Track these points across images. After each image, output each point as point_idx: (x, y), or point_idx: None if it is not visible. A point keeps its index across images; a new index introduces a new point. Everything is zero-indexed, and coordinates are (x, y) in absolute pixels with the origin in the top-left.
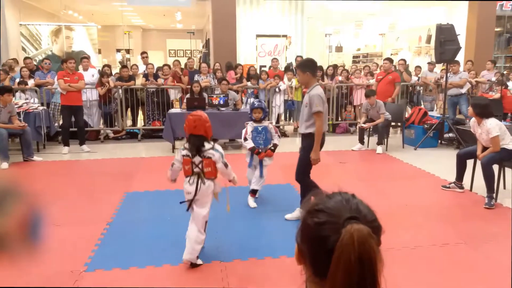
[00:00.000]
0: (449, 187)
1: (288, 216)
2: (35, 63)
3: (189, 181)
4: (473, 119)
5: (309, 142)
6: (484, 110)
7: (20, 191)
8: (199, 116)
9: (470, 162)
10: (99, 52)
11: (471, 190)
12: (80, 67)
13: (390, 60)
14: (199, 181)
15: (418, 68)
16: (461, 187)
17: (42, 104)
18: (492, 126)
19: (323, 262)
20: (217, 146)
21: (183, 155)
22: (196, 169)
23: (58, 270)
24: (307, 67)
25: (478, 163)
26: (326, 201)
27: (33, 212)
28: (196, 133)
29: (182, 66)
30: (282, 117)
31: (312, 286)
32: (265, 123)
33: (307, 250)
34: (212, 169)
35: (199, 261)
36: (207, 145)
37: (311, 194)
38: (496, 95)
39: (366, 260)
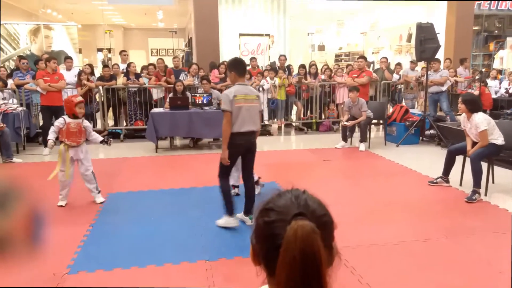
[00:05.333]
0: (436, 182)
1: (218, 222)
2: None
3: None
4: (463, 114)
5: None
6: (473, 105)
7: (21, 192)
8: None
9: (459, 158)
10: (80, 51)
11: (460, 185)
12: (63, 67)
13: (364, 58)
14: None
15: (398, 66)
16: (447, 181)
17: (21, 105)
18: (481, 121)
19: (275, 261)
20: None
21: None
22: None
23: (40, 273)
24: (232, 66)
25: (467, 160)
26: (276, 199)
27: (35, 213)
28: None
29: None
30: (266, 116)
31: (269, 286)
32: None
33: (261, 250)
34: None
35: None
36: None
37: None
38: (475, 92)
39: (309, 256)
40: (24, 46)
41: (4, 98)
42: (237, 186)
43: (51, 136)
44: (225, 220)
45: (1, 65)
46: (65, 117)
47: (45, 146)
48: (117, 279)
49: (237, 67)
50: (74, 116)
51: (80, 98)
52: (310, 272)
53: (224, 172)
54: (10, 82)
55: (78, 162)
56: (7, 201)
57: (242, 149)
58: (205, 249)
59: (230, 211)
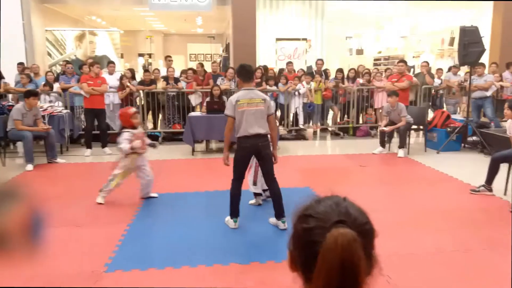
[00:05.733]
0: (478, 191)
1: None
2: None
3: None
4: (509, 120)
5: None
6: None
7: (19, 192)
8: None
9: (504, 167)
10: (122, 56)
11: (505, 194)
12: (106, 71)
13: (404, 62)
14: None
15: (440, 70)
16: (490, 190)
17: (65, 108)
18: None
19: (313, 268)
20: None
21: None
22: None
23: (79, 270)
24: (238, 73)
25: None
26: (315, 205)
27: (33, 213)
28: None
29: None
30: (302, 120)
31: None
32: None
33: (299, 257)
34: None
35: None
36: None
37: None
38: None
39: (348, 265)
40: (70, 52)
41: (50, 101)
42: (264, 191)
43: (127, 146)
44: (227, 219)
45: (49, 70)
46: (129, 130)
47: (87, 147)
48: (152, 279)
49: (242, 73)
50: (133, 127)
51: (134, 109)
52: (348, 281)
53: (237, 176)
54: (56, 86)
55: (141, 168)
56: (3, 201)
57: (249, 152)
58: (238, 252)
59: (232, 213)
